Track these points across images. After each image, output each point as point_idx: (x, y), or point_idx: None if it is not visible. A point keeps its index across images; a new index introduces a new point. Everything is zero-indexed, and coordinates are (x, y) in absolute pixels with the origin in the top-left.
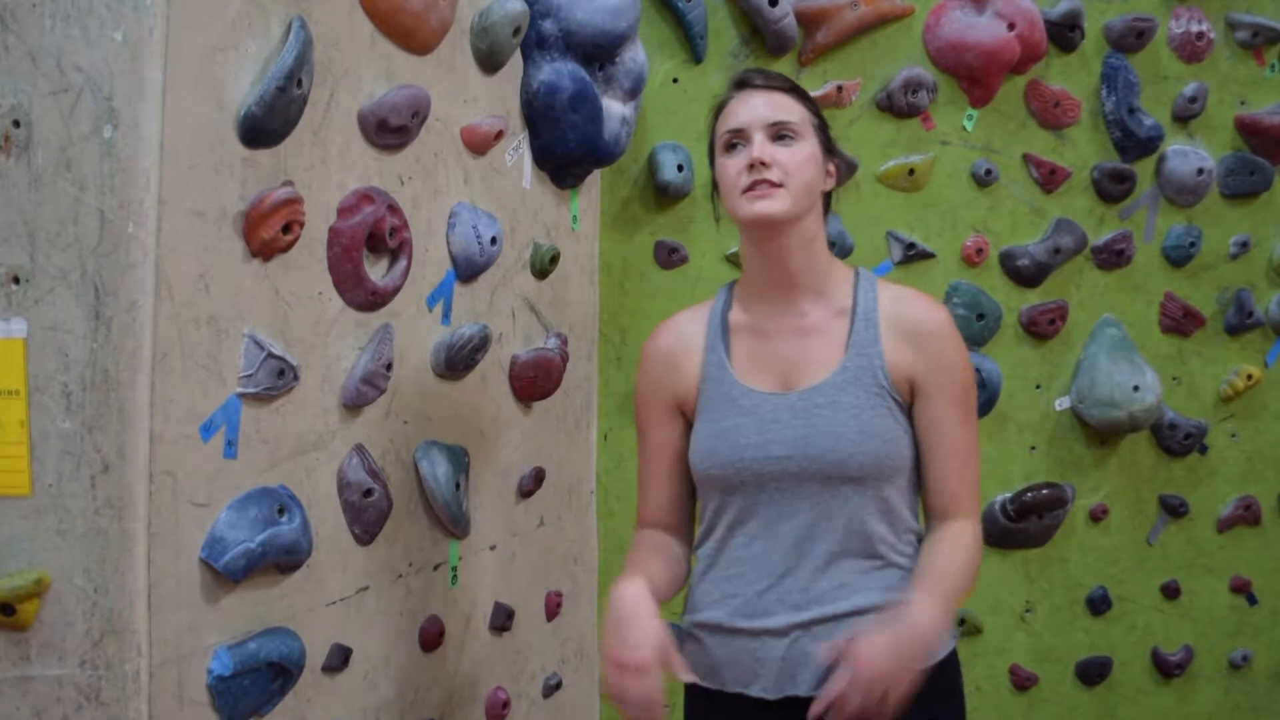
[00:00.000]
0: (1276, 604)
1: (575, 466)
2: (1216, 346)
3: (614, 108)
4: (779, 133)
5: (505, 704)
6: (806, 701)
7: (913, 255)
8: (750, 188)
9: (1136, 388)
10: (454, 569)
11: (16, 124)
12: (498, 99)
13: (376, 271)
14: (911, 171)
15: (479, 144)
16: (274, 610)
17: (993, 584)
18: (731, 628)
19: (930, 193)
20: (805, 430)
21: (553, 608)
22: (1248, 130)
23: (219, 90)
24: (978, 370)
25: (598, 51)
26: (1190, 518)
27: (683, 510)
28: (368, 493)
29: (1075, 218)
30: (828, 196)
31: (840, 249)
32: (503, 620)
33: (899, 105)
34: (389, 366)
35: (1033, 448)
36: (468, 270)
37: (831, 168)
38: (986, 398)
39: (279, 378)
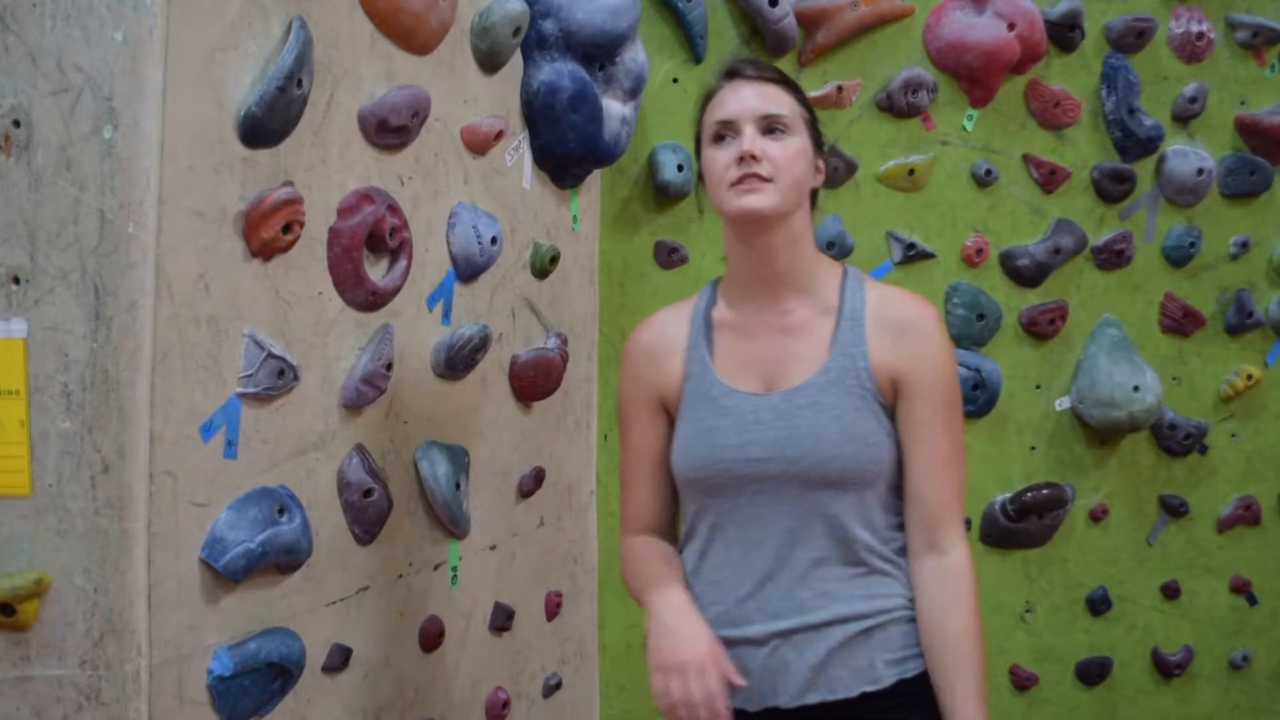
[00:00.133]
0: (1276, 604)
1: (575, 466)
2: (1216, 346)
3: (614, 108)
4: (769, 126)
5: (505, 704)
6: (787, 714)
7: (913, 255)
8: (738, 181)
9: (1136, 388)
10: (454, 569)
11: (17, 124)
12: (498, 99)
13: (376, 271)
14: (911, 172)
15: (479, 144)
16: (274, 610)
17: (993, 584)
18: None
19: (930, 193)
20: (786, 432)
21: (553, 608)
22: (1248, 130)
23: (219, 90)
24: (977, 370)
25: (598, 51)
26: (1190, 518)
27: (668, 513)
28: (368, 493)
29: (1075, 218)
30: (815, 193)
31: (840, 249)
32: (503, 620)
33: (899, 105)
34: (389, 366)
35: (1033, 448)
36: (468, 270)
37: (821, 163)
38: (986, 398)
39: (279, 378)
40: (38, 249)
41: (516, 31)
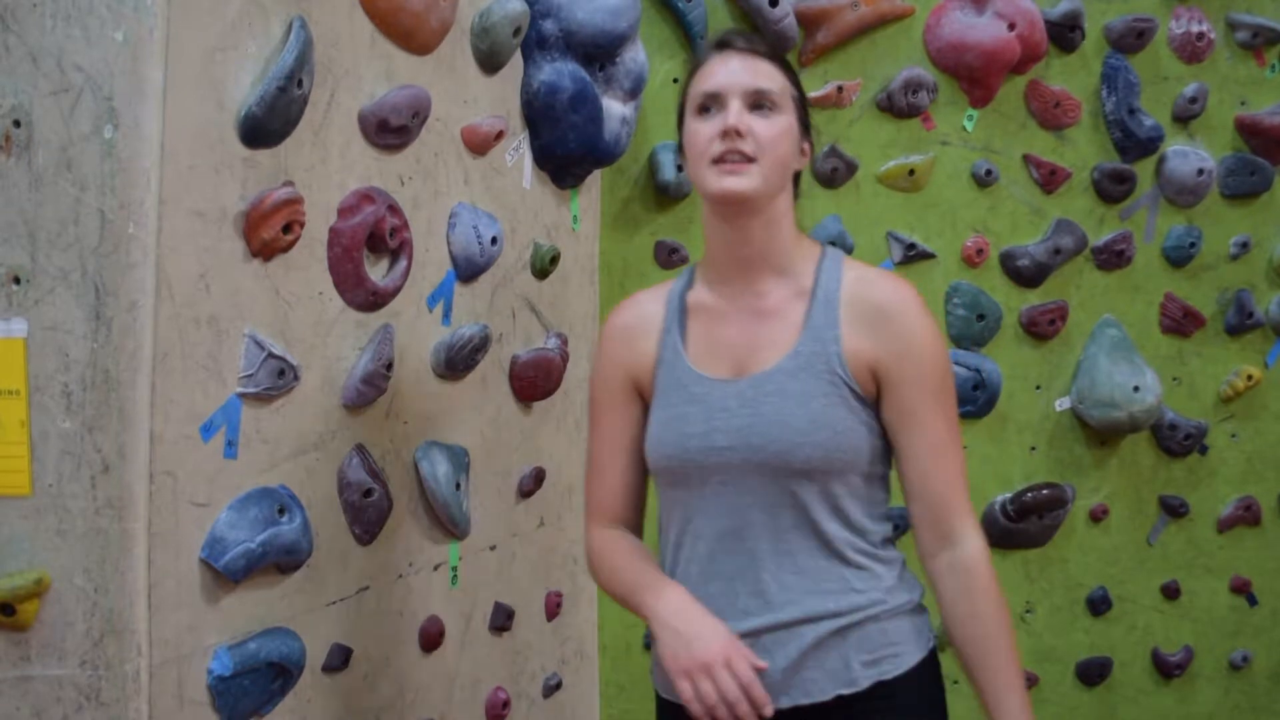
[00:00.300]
0: (1276, 604)
1: (575, 466)
2: (1216, 347)
3: (614, 108)
4: (757, 101)
5: (505, 704)
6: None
7: (913, 256)
8: (721, 158)
9: (1136, 388)
10: (454, 569)
11: (17, 124)
12: (498, 99)
13: (377, 272)
14: (912, 172)
15: (479, 144)
16: (274, 610)
17: None
18: None
19: (930, 193)
20: (751, 419)
21: (553, 608)
22: (1248, 131)
23: (219, 90)
24: (977, 370)
25: (598, 51)
26: (1190, 518)
27: (636, 502)
28: (368, 493)
29: (1075, 218)
30: (799, 176)
31: (840, 249)
32: (503, 620)
33: (899, 105)
34: (389, 366)
35: (1033, 448)
36: (468, 270)
37: (806, 146)
38: (986, 398)
39: (279, 378)
40: (38, 249)
41: (517, 31)
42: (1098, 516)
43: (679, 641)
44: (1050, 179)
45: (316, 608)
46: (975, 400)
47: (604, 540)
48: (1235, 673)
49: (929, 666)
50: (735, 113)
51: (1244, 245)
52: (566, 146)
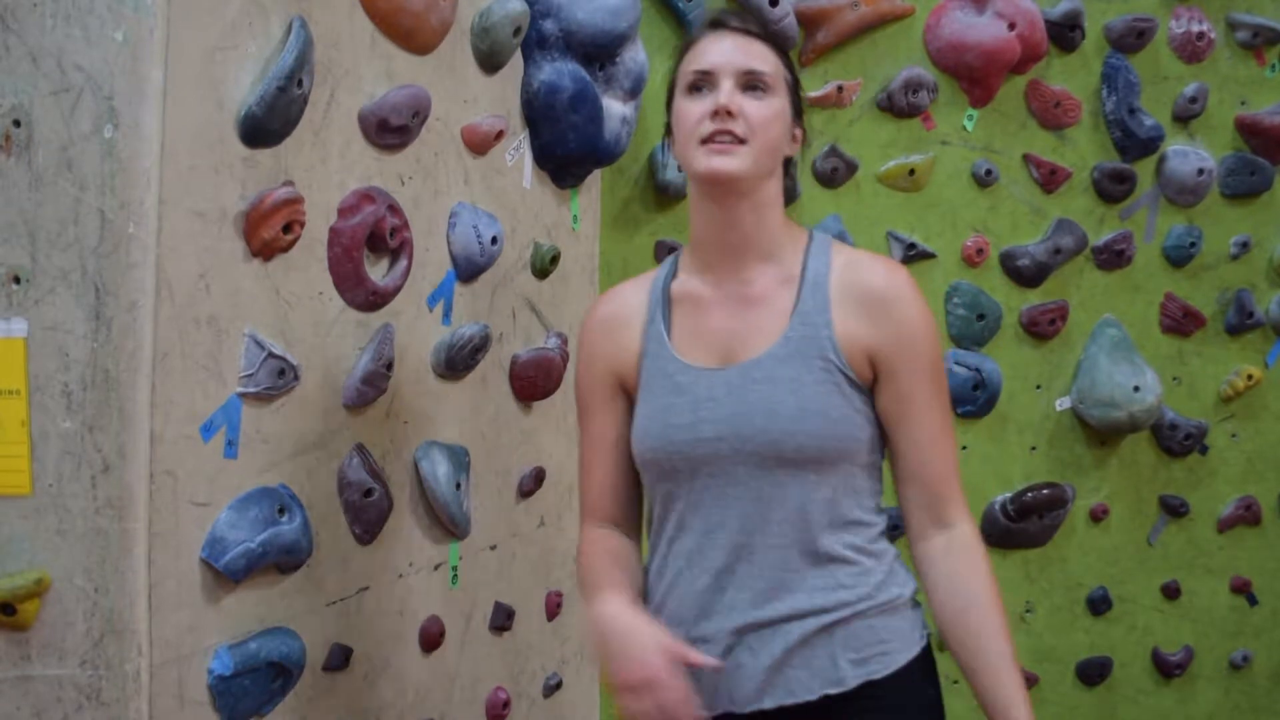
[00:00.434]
0: (1276, 604)
1: (575, 466)
2: (1217, 347)
3: (614, 108)
4: (750, 82)
5: (505, 704)
6: (742, 719)
7: (913, 255)
8: (710, 138)
9: (1137, 388)
10: (454, 569)
11: (17, 124)
12: (498, 99)
13: (377, 271)
14: (912, 172)
15: (479, 144)
16: (274, 610)
17: None
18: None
19: (930, 193)
20: (739, 408)
21: (553, 608)
22: (1248, 130)
23: (219, 90)
24: (978, 370)
25: (598, 51)
26: (1190, 518)
27: (628, 503)
28: (368, 493)
29: (1075, 218)
30: (790, 162)
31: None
32: (503, 620)
33: (899, 105)
34: (389, 366)
35: (1033, 448)
36: (468, 270)
37: (798, 131)
38: (987, 398)
39: (279, 378)
40: (38, 249)
41: (517, 31)
42: (1098, 516)
43: (615, 658)
44: (1050, 179)
45: (316, 608)
46: (975, 400)
47: (587, 541)
48: (1235, 673)
49: (921, 665)
50: (727, 92)
51: (1244, 245)
52: (566, 146)
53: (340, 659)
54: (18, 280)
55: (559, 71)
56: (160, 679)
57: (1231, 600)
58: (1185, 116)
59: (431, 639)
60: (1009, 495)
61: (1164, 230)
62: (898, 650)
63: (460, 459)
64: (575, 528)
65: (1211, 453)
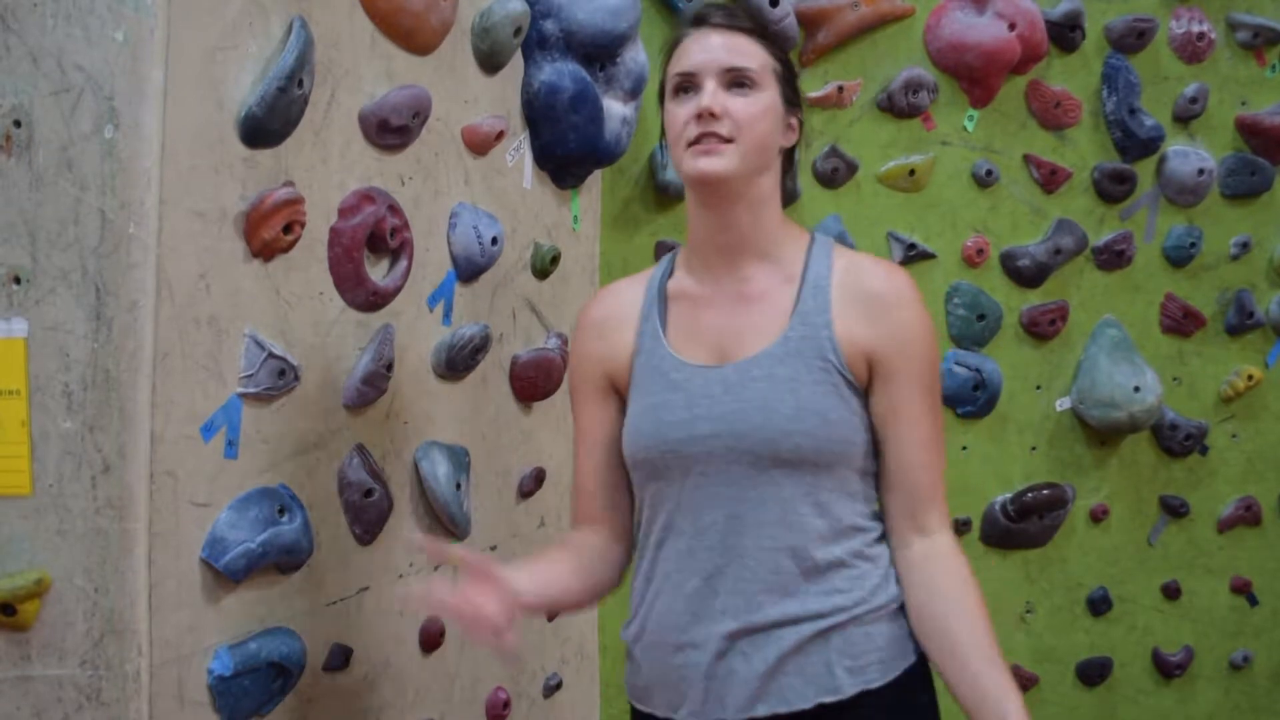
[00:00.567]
0: (1277, 604)
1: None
2: (1217, 347)
3: (614, 108)
4: (735, 80)
5: (505, 704)
6: None
7: (913, 256)
8: (696, 141)
9: (1137, 388)
10: (454, 569)
11: (17, 124)
12: (498, 99)
13: (377, 272)
14: (912, 172)
15: (480, 144)
16: (274, 610)
17: (993, 584)
18: (658, 641)
19: (931, 193)
20: (735, 405)
21: None
22: (1248, 131)
23: (219, 90)
24: (978, 370)
25: (598, 51)
26: (1191, 518)
27: (616, 504)
28: (368, 493)
29: (1076, 218)
30: (790, 153)
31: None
32: None
33: (899, 106)
34: (389, 367)
35: (1033, 448)
36: (468, 270)
37: (794, 121)
38: (987, 398)
39: (279, 378)
40: (38, 249)
41: (517, 32)
42: (1098, 516)
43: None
44: (1050, 179)
45: (316, 608)
46: (975, 400)
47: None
48: (1235, 673)
49: (918, 674)
50: (709, 94)
51: (1244, 245)
52: (567, 146)
53: (340, 659)
54: (18, 280)
55: (559, 72)
56: (160, 679)
57: (1231, 600)
58: (1185, 117)
59: (431, 639)
60: (1009, 495)
61: (1164, 230)
62: (894, 658)
63: (460, 459)
64: None
65: (1211, 453)
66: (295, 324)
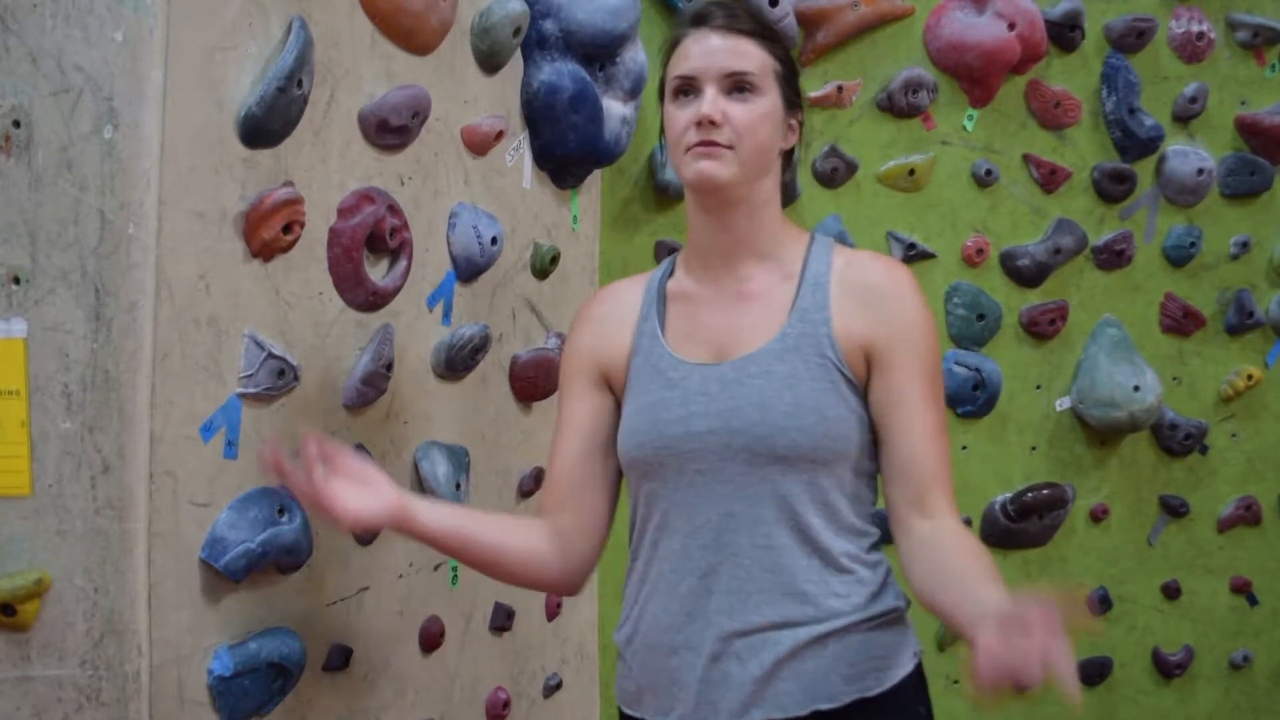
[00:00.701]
0: (1277, 604)
1: None
2: (1217, 347)
3: (614, 108)
4: (735, 84)
5: (505, 704)
6: None
7: (913, 256)
8: (695, 145)
9: (1137, 388)
10: (454, 569)
11: (17, 124)
12: (498, 99)
13: (377, 272)
14: (912, 172)
15: (479, 144)
16: (274, 610)
17: None
18: (650, 643)
19: (930, 193)
20: (732, 402)
21: (553, 608)
22: (1248, 130)
23: (219, 90)
24: (977, 370)
25: (598, 51)
26: (1190, 518)
27: (582, 501)
28: None
29: (1075, 218)
30: (790, 154)
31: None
32: (503, 620)
33: (899, 105)
34: (389, 367)
35: (1033, 448)
36: (468, 270)
37: (795, 123)
38: (986, 398)
39: (279, 378)
40: (38, 249)
41: (517, 32)
42: (1098, 516)
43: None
44: (1050, 179)
45: (316, 608)
46: (975, 400)
47: None
48: (1235, 673)
49: (914, 684)
50: (710, 100)
51: (1244, 245)
52: (566, 146)
53: (340, 659)
54: (17, 281)
55: (559, 72)
56: (160, 679)
57: (1231, 600)
58: (1185, 116)
59: (431, 639)
60: (1009, 495)
61: (1164, 230)
62: (891, 667)
63: (460, 459)
64: None
65: (1211, 453)
66: (295, 324)
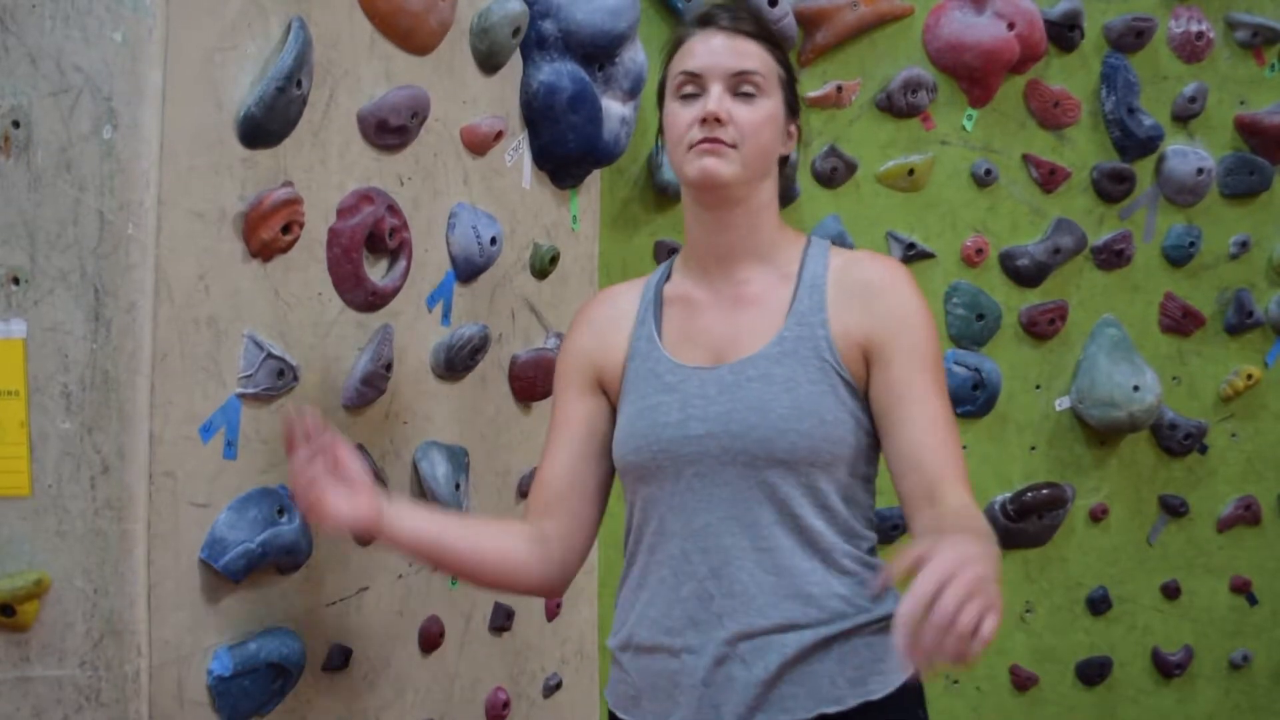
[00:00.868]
0: (1276, 604)
1: None
2: (1216, 346)
3: (614, 108)
4: (740, 85)
5: (505, 704)
6: None
7: (912, 255)
8: (699, 143)
9: (1136, 388)
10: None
11: (16, 124)
12: (497, 99)
13: (376, 272)
14: (911, 172)
15: (479, 144)
16: (274, 610)
17: None
18: (649, 646)
19: (930, 193)
20: (730, 406)
21: (553, 608)
22: (1247, 130)
23: (218, 91)
24: (977, 370)
25: (597, 51)
26: (1190, 518)
27: (571, 506)
28: None
29: (1075, 218)
30: (786, 160)
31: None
32: (503, 620)
33: (899, 105)
34: (388, 367)
35: (1033, 448)
36: (467, 271)
37: (793, 128)
38: (986, 398)
39: (279, 378)
40: (37, 250)
41: (516, 32)
42: (1098, 516)
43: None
44: (1050, 179)
45: (316, 608)
46: (975, 400)
47: None
48: (1235, 672)
49: (915, 689)
50: (716, 98)
51: (1244, 245)
52: (566, 146)
53: (340, 659)
54: (17, 281)
55: (558, 72)
56: (160, 680)
57: (1231, 600)
58: (1185, 116)
59: (431, 639)
60: (1009, 495)
61: (1163, 230)
62: (893, 671)
63: (460, 460)
64: None
65: (1211, 452)
66: (294, 324)
